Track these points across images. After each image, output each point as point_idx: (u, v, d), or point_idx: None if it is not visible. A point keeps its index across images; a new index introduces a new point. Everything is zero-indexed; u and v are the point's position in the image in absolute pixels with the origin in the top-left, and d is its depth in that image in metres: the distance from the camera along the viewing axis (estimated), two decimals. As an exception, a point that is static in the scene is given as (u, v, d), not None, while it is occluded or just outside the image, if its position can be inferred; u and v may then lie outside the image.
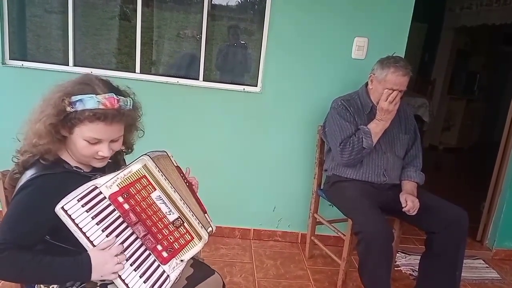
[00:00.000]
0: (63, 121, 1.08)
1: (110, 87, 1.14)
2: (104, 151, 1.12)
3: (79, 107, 1.06)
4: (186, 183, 1.31)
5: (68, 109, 1.07)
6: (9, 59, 2.50)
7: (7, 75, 2.48)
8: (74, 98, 1.07)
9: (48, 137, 1.09)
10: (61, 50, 2.60)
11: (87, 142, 1.10)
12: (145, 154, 1.19)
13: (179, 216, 1.17)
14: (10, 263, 1.00)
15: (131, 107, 1.16)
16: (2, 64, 2.47)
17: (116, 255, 1.07)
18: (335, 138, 2.15)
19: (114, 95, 1.10)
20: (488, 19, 4.98)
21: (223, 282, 1.40)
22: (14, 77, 2.48)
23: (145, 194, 1.13)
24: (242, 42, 2.76)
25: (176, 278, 1.18)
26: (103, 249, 1.06)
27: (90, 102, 1.07)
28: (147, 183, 1.14)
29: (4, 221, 1.04)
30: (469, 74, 6.14)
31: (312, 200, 2.57)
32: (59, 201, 1.03)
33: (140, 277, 1.10)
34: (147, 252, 1.14)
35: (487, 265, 2.78)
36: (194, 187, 1.38)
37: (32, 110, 1.14)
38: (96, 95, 1.08)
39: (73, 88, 1.09)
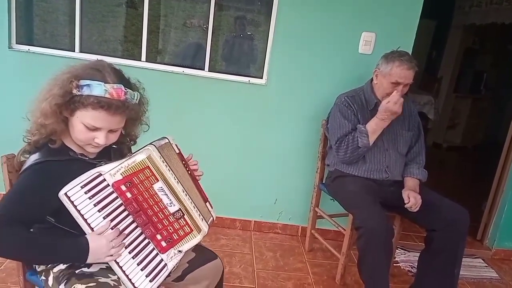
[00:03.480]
0: (67, 103, 1.08)
1: (120, 77, 1.13)
2: (101, 139, 1.11)
3: (85, 91, 1.06)
4: (188, 171, 1.31)
5: (75, 91, 1.06)
6: (16, 44, 2.50)
7: (13, 60, 2.48)
8: (82, 82, 1.06)
9: (54, 117, 1.09)
10: (68, 36, 2.60)
11: (85, 127, 1.09)
12: (151, 144, 1.18)
13: (179, 208, 1.17)
14: (9, 238, 1.00)
15: (137, 102, 1.15)
16: (9, 48, 2.47)
17: (112, 240, 1.08)
18: (334, 135, 2.16)
19: (123, 87, 1.09)
20: (498, 18, 4.93)
21: (223, 268, 1.42)
22: (21, 61, 2.48)
23: (148, 185, 1.13)
24: (248, 33, 2.75)
25: (174, 267, 1.20)
26: (100, 234, 1.08)
27: (97, 88, 1.06)
28: (150, 174, 1.13)
29: (5, 197, 1.05)
30: (476, 73, 6.09)
31: (313, 194, 2.57)
32: (60, 186, 1.03)
33: (138, 264, 1.13)
34: (146, 241, 1.16)
35: (486, 265, 2.79)
36: (197, 176, 1.38)
37: (41, 89, 1.13)
38: (105, 83, 1.07)
39: (83, 72, 1.09)
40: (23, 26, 2.56)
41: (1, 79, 2.49)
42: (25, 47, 2.50)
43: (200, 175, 1.40)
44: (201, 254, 1.35)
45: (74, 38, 2.53)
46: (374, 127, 2.06)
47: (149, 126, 1.32)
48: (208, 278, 1.36)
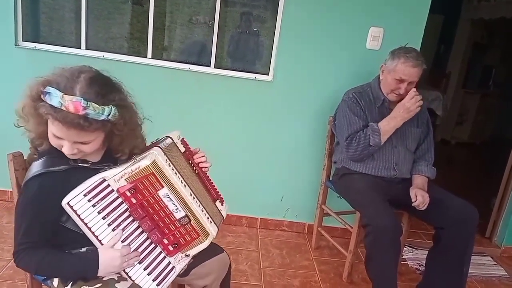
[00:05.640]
0: (39, 107, 1.04)
1: (94, 89, 1.04)
2: (65, 148, 1.07)
3: (47, 99, 1.02)
4: (195, 170, 1.29)
5: (42, 97, 1.03)
6: (22, 41, 2.50)
7: (19, 57, 2.48)
8: (47, 89, 1.02)
9: (30, 118, 1.07)
10: (74, 33, 2.60)
11: (52, 134, 1.07)
12: (157, 146, 1.15)
13: (186, 214, 1.14)
14: (28, 262, 1.10)
15: (109, 117, 1.05)
16: (15, 45, 2.47)
17: (126, 255, 1.09)
18: (342, 132, 2.14)
19: (82, 101, 1.00)
20: (507, 12, 4.86)
21: (230, 262, 1.42)
22: (27, 58, 2.49)
23: (153, 191, 1.10)
24: (254, 29, 2.72)
25: (181, 270, 1.20)
26: (112, 246, 1.09)
27: (54, 99, 1.01)
28: (155, 180, 1.10)
29: (16, 222, 1.09)
30: (485, 68, 6.02)
31: (320, 191, 2.56)
32: (62, 198, 1.04)
33: (145, 269, 1.13)
34: (152, 245, 1.15)
35: (495, 262, 2.76)
36: (205, 168, 1.34)
37: None
38: (65, 94, 1.01)
39: (57, 78, 1.04)
40: (30, 23, 2.56)
41: (7, 76, 2.50)
42: (32, 44, 2.50)
43: (208, 166, 1.35)
44: (207, 249, 1.31)
45: (80, 35, 2.53)
46: (386, 126, 2.03)
47: (146, 140, 1.27)
48: (214, 272, 1.35)
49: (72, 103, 1.00)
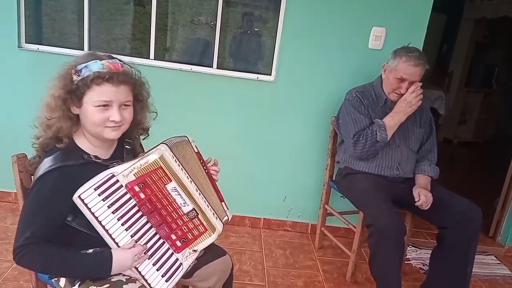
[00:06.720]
0: (72, 94, 1.09)
1: (117, 59, 1.18)
2: (115, 115, 1.11)
3: (85, 73, 1.08)
4: (205, 169, 1.30)
5: (75, 78, 1.09)
6: (25, 43, 2.51)
7: (23, 59, 2.49)
8: (79, 66, 1.10)
9: (58, 111, 1.11)
10: (76, 35, 2.61)
11: (96, 109, 1.10)
12: (163, 143, 1.17)
13: (193, 208, 1.16)
14: (36, 257, 1.06)
15: (137, 78, 1.19)
16: (18, 47, 2.48)
17: (136, 254, 1.09)
18: (349, 131, 2.13)
19: (118, 60, 1.14)
20: (509, 11, 4.85)
21: (232, 264, 1.43)
22: (30, 60, 2.50)
23: (161, 185, 1.12)
24: (256, 29, 2.73)
25: (189, 266, 1.20)
26: (126, 249, 1.09)
27: (94, 65, 1.09)
28: (163, 174, 1.12)
29: (25, 217, 1.07)
30: (488, 67, 6.00)
31: (323, 191, 2.56)
32: (76, 191, 1.04)
33: (154, 264, 1.13)
34: (161, 241, 1.16)
35: (499, 262, 2.75)
36: (214, 176, 1.37)
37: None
38: (100, 60, 1.11)
39: (79, 60, 1.13)
40: (32, 25, 2.57)
41: (11, 78, 2.51)
42: (35, 46, 2.51)
43: (217, 172, 1.40)
44: (210, 251, 1.35)
45: (83, 37, 2.54)
46: (390, 122, 2.04)
47: (157, 113, 1.33)
48: (217, 274, 1.36)
49: (111, 63, 1.12)
